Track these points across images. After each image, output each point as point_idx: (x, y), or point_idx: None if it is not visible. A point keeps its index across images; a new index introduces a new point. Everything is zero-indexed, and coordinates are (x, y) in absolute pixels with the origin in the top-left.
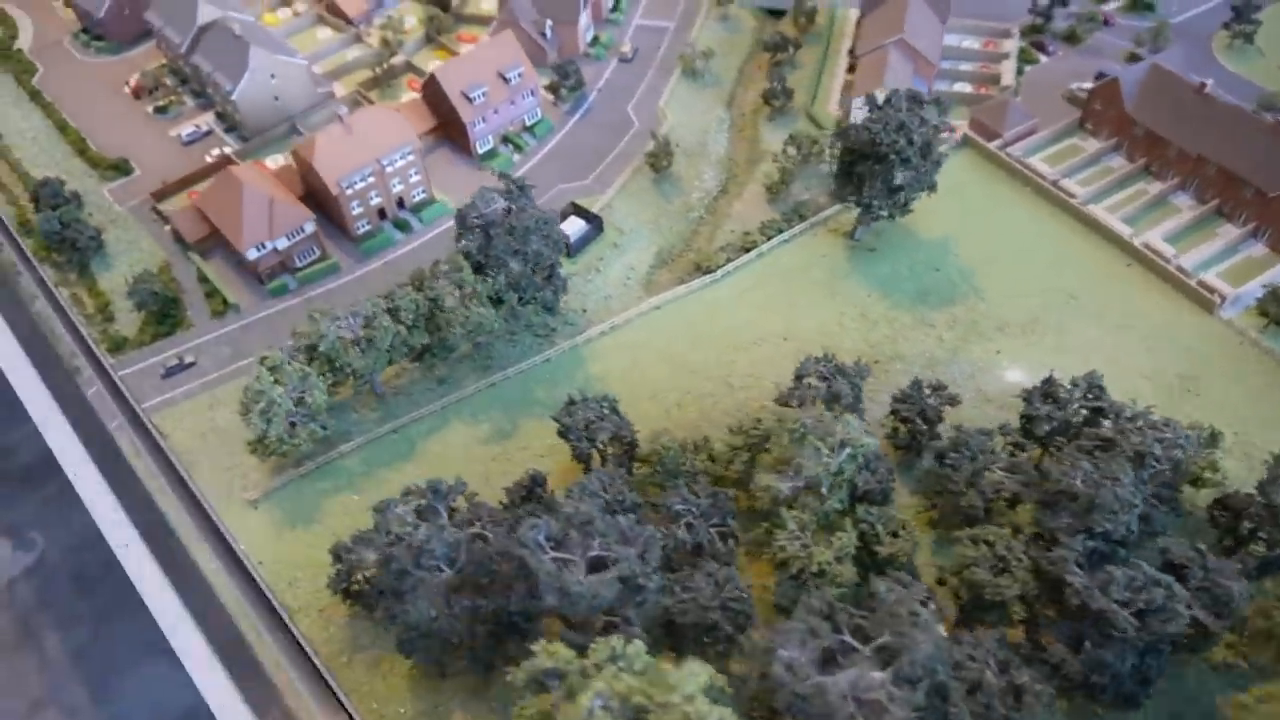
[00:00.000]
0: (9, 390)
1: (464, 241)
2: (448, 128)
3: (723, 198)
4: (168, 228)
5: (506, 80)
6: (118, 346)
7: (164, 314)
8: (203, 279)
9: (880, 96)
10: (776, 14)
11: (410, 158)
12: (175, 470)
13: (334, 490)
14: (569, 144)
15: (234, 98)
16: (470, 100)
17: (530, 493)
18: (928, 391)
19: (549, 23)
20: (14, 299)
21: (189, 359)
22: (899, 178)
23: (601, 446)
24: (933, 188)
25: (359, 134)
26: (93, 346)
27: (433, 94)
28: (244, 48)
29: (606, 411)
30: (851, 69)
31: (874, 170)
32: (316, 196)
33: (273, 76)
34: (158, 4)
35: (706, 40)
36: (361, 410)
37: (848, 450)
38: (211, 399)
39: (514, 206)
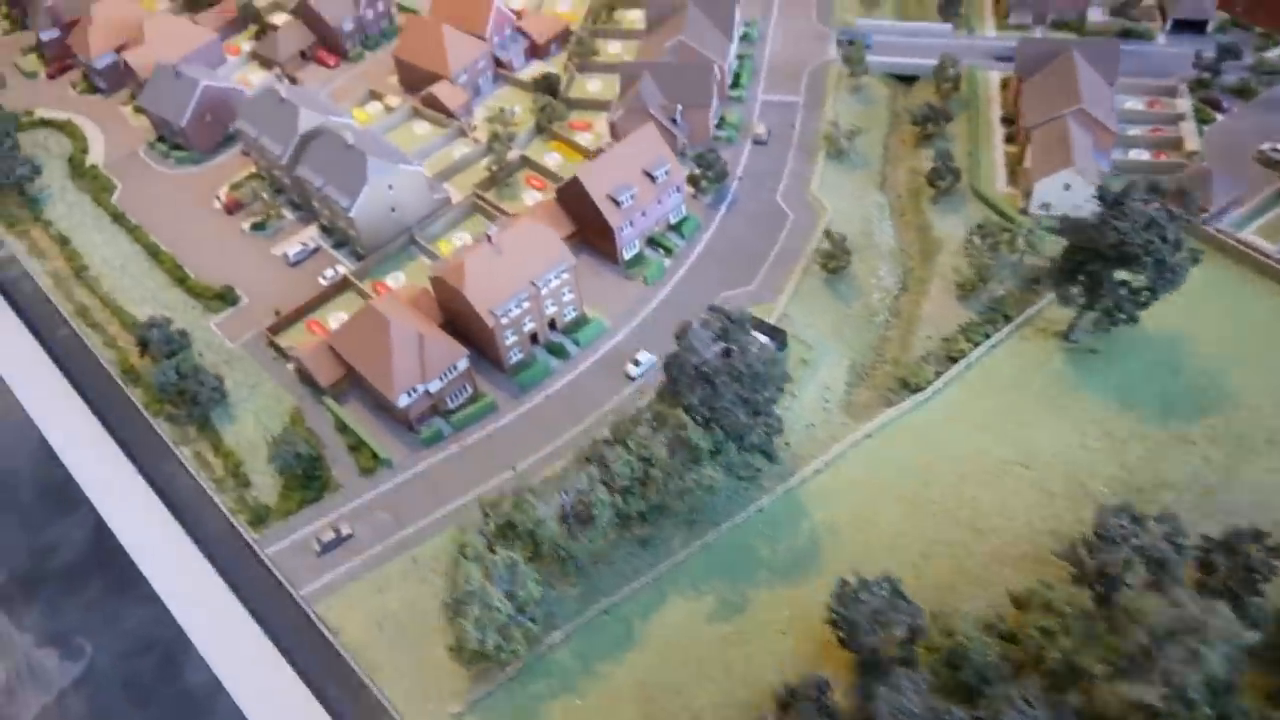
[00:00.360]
0: (151, 592)
1: (676, 387)
2: (585, 232)
3: (905, 296)
4: (291, 366)
5: (653, 178)
6: (260, 519)
7: (308, 475)
8: (341, 427)
9: (1107, 186)
10: (907, 80)
11: (565, 276)
12: (352, 672)
13: (550, 694)
14: (721, 243)
15: (352, 214)
16: (618, 204)
17: (819, 705)
18: (1248, 540)
19: (679, 108)
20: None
21: (345, 530)
22: (1147, 279)
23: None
24: (1177, 286)
25: (509, 254)
26: (232, 520)
27: (571, 196)
28: (359, 159)
29: (886, 594)
30: (1010, 140)
31: (1114, 271)
32: (459, 324)
33: (390, 187)
34: (249, 111)
35: (841, 114)
36: (560, 585)
37: (1225, 648)
38: (380, 580)
39: (733, 347)
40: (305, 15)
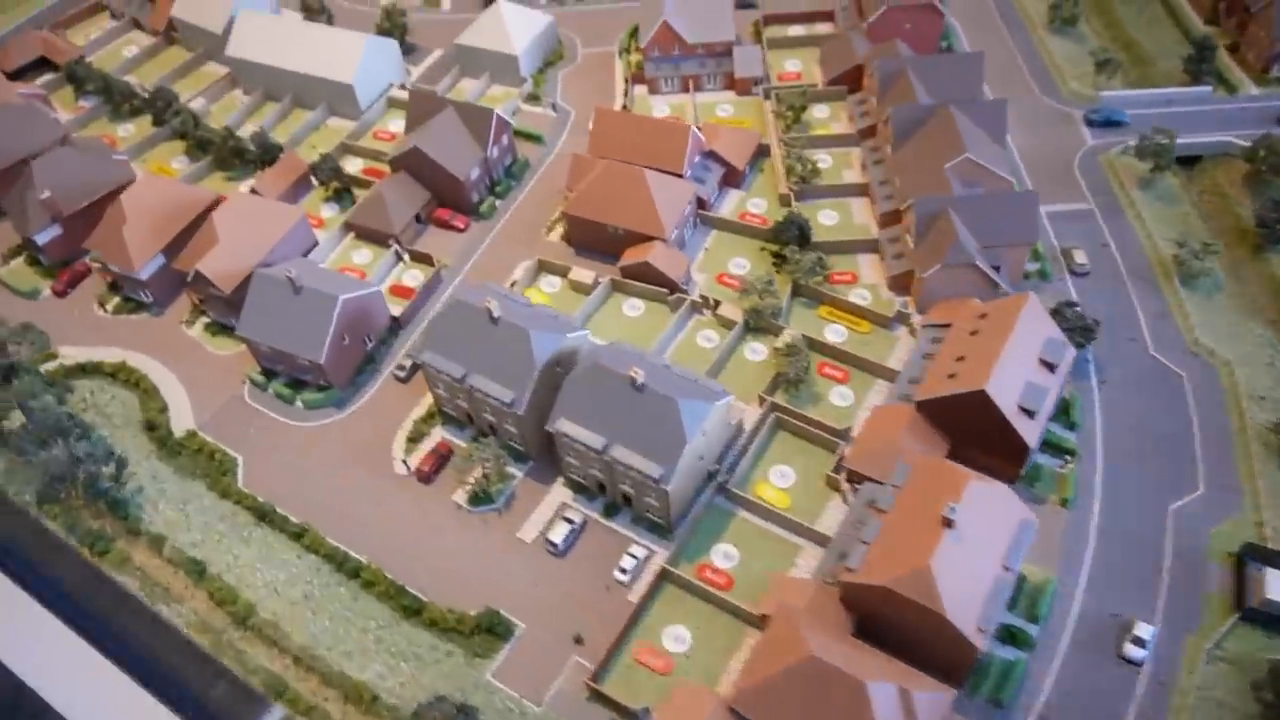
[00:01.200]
0: None
1: None
2: (964, 447)
3: None
4: None
5: (1052, 368)
6: None
7: None
8: None
9: None
10: (1188, 162)
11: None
12: None
13: None
14: (1119, 428)
15: (668, 488)
16: (1032, 415)
17: None
18: None
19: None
20: None
21: None
22: None
23: None
24: None
25: (968, 532)
26: None
27: (952, 408)
28: (668, 409)
29: None
30: None
31: None
32: (883, 628)
33: (704, 434)
34: (437, 337)
35: (1150, 221)
36: None
37: None
38: None
39: None
40: (413, 165)
